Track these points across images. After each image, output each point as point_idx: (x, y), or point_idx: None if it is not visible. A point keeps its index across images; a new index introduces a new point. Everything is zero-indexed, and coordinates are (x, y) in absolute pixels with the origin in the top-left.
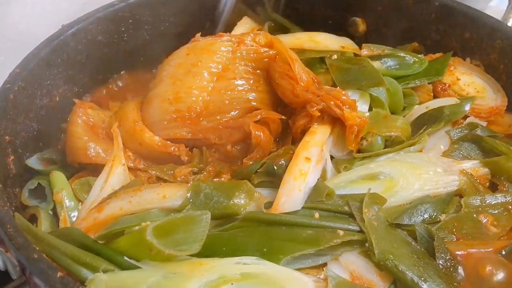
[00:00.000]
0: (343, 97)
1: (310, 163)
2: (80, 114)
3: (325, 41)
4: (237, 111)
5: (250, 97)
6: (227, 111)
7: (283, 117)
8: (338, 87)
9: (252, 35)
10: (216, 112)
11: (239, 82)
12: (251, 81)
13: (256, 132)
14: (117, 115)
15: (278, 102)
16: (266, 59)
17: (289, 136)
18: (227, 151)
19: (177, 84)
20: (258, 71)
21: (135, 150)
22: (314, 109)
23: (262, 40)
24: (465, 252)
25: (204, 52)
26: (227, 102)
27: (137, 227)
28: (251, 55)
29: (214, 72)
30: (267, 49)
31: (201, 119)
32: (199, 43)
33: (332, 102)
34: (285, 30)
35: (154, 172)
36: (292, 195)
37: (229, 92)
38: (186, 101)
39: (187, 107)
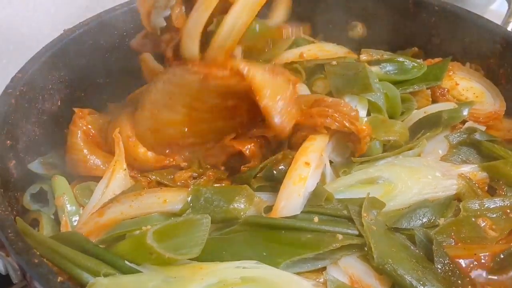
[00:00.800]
0: (352, 113)
1: (309, 168)
2: (80, 125)
3: (334, 49)
4: (215, 141)
5: (227, 127)
6: (206, 141)
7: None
8: (340, 98)
9: (222, 63)
10: (196, 143)
11: (213, 114)
12: (226, 111)
13: (246, 148)
14: (112, 126)
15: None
16: (240, 88)
17: (285, 142)
18: (221, 171)
19: (155, 118)
20: (231, 100)
21: (130, 163)
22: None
23: (234, 68)
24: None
25: (177, 86)
26: (204, 133)
27: (137, 231)
28: (222, 86)
29: (188, 105)
30: (238, 79)
31: (184, 149)
32: (172, 76)
33: (345, 121)
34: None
35: (154, 177)
36: (291, 199)
37: (205, 124)
38: (164, 135)
39: (167, 142)
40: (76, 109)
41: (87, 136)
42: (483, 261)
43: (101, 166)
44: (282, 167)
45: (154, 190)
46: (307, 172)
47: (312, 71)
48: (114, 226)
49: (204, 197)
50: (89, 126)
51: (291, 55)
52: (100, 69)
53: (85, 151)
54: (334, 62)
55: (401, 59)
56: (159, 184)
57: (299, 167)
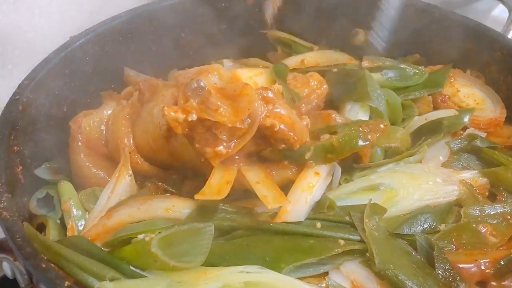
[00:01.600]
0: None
1: (319, 177)
2: (79, 137)
3: (335, 55)
4: None
5: None
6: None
7: None
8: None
9: None
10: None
11: None
12: None
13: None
14: (111, 130)
15: None
16: None
17: None
18: None
19: (147, 145)
20: None
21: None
22: None
23: None
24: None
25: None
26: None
27: (142, 235)
28: None
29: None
30: None
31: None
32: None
33: None
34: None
35: (161, 184)
36: (298, 205)
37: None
38: (156, 161)
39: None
40: (71, 123)
41: (88, 147)
42: (483, 267)
43: (106, 178)
44: None
45: (163, 196)
46: (316, 181)
47: None
48: (120, 229)
49: (211, 207)
50: (88, 135)
51: (292, 62)
52: (106, 76)
53: (89, 165)
54: (335, 69)
55: (402, 65)
56: (166, 191)
57: (309, 175)
